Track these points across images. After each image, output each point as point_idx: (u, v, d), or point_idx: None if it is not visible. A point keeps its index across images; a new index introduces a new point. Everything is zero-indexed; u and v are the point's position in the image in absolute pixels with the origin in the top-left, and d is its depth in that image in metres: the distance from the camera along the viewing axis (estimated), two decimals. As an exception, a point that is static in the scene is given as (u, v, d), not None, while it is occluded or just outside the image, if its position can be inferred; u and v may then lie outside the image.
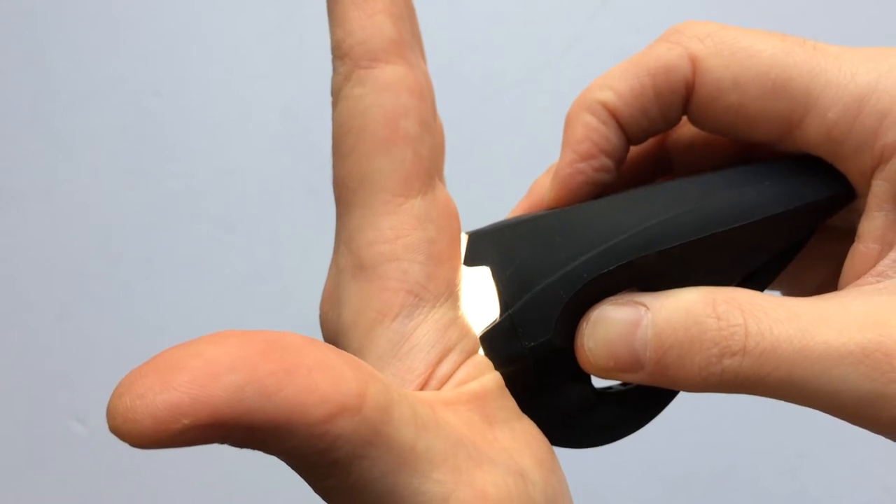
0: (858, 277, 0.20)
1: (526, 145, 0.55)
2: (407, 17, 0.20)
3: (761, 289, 0.21)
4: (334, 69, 0.20)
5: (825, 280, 0.24)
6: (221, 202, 0.58)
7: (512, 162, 0.55)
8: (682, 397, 0.21)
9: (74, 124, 0.58)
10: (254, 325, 0.55)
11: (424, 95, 0.19)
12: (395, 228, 0.19)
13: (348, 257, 0.19)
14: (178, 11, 0.57)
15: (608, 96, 0.22)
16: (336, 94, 0.20)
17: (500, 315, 0.20)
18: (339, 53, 0.19)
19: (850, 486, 0.55)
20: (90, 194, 0.58)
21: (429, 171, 0.19)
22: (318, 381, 0.14)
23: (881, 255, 0.20)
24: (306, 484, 0.15)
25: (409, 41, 0.19)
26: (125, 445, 0.13)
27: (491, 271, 0.20)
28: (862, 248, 0.20)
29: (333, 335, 0.20)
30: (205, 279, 0.58)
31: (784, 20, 0.54)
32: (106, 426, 0.13)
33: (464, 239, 0.21)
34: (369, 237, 0.19)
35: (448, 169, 0.22)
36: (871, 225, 0.20)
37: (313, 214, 0.57)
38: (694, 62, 0.21)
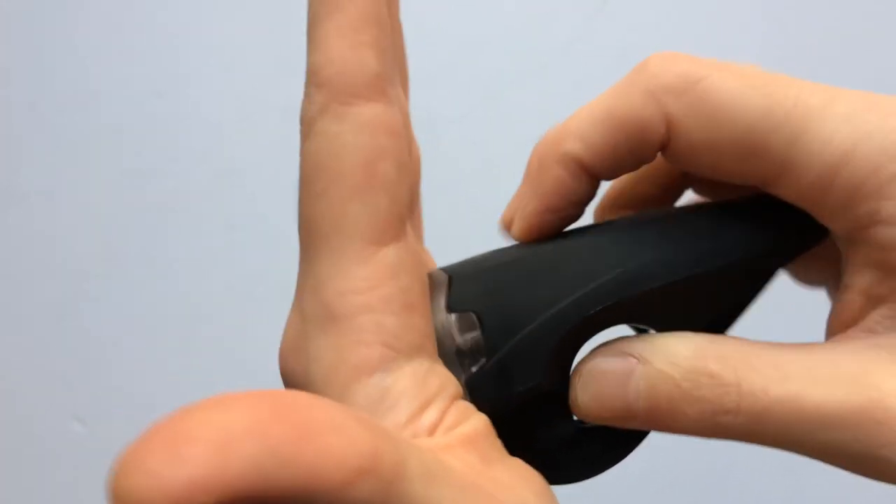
0: (845, 327, 0.20)
1: (525, 145, 0.55)
2: (391, 48, 0.19)
3: (741, 311, 0.22)
4: (307, 95, 0.18)
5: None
6: (221, 202, 0.58)
7: (511, 162, 0.55)
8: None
9: (74, 124, 0.58)
10: (254, 325, 0.55)
11: (401, 134, 0.19)
12: (369, 279, 0.18)
13: (317, 307, 0.18)
14: (178, 11, 0.57)
15: (580, 151, 0.21)
16: (308, 124, 0.18)
17: (487, 359, 0.20)
18: (316, 80, 0.18)
19: (851, 486, 0.55)
20: (90, 194, 0.58)
21: (402, 216, 0.19)
22: (333, 444, 0.13)
23: (866, 309, 0.19)
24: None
25: (390, 75, 0.18)
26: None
27: (475, 315, 0.20)
28: (847, 297, 0.20)
29: (302, 390, 0.19)
30: (205, 279, 0.58)
31: (782, 19, 0.54)
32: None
33: (445, 279, 0.21)
34: (340, 287, 0.18)
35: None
36: (856, 279, 0.20)
37: (313, 214, 0.56)
38: (668, 122, 0.20)
